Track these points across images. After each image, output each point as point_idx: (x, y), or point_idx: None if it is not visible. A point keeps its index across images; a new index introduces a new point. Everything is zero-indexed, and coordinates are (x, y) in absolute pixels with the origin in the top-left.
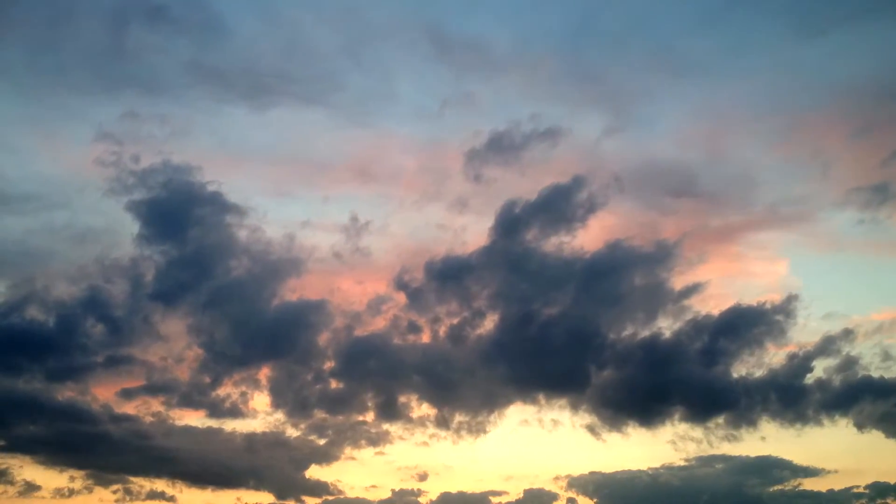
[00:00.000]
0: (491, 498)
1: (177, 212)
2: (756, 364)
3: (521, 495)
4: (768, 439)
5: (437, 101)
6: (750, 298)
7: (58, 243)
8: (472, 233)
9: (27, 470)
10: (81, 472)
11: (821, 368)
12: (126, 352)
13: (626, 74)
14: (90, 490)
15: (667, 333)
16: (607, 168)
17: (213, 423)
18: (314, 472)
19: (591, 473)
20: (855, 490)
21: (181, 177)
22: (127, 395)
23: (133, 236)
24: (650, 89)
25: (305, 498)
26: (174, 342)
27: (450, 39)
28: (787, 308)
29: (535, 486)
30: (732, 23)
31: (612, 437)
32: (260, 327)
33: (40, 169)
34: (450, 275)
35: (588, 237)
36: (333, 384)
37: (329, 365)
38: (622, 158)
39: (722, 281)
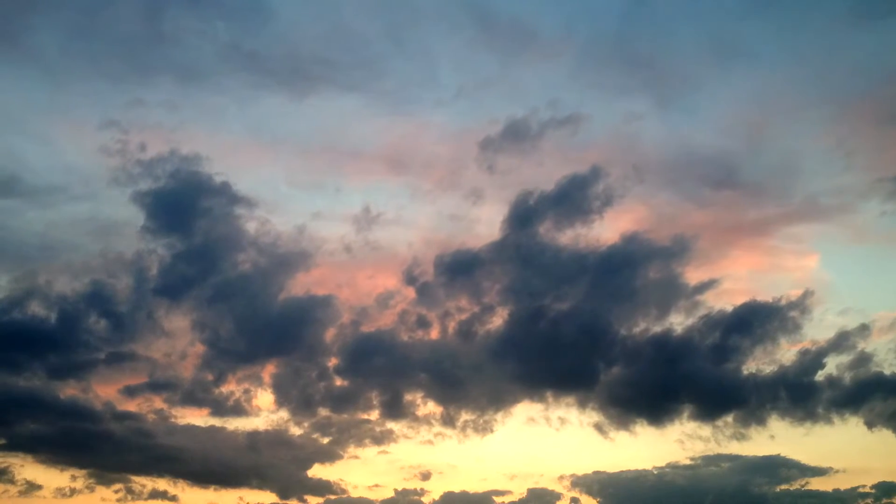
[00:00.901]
0: (494, 497)
1: (182, 203)
2: (769, 361)
3: (525, 495)
4: (777, 438)
5: (480, 86)
6: (777, 293)
7: (79, 237)
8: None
9: (28, 469)
10: (83, 472)
11: (833, 365)
12: (129, 348)
13: (673, 59)
14: (92, 489)
15: (679, 329)
16: (642, 157)
17: (217, 422)
18: (317, 471)
19: (596, 473)
20: (861, 490)
21: (188, 167)
22: (130, 392)
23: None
24: (696, 75)
25: (308, 497)
26: (178, 338)
27: (495, 22)
28: (802, 304)
29: (540, 486)
30: (785, 6)
31: (620, 436)
32: (265, 323)
33: (68, 159)
34: (460, 269)
35: (613, 229)
36: (338, 382)
37: (334, 362)
38: (660, 147)
39: (751, 275)
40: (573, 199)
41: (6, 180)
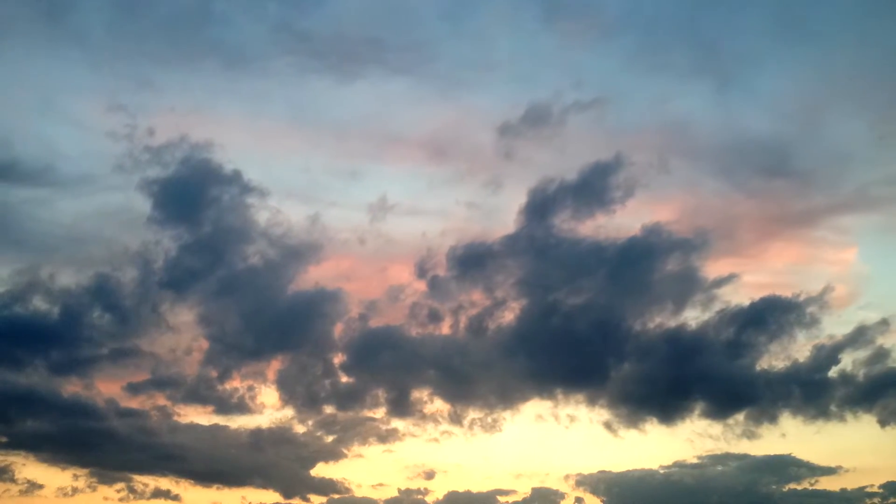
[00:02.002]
0: (499, 497)
1: (191, 192)
2: (784, 357)
3: (529, 494)
4: (788, 436)
5: (539, 70)
6: (812, 287)
7: (109, 228)
8: None
9: (29, 468)
10: (85, 471)
11: (849, 361)
12: (132, 343)
13: (735, 39)
14: (94, 489)
15: (695, 324)
16: (694, 143)
17: (220, 419)
18: (321, 470)
19: (601, 472)
20: (868, 489)
21: (199, 154)
22: (133, 389)
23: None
24: (757, 56)
25: (311, 496)
26: (182, 333)
27: (557, 1)
28: (821, 299)
29: (545, 485)
30: None
31: (630, 435)
32: (271, 318)
33: (104, 146)
34: (473, 262)
35: (649, 219)
36: (344, 378)
37: (340, 358)
38: (713, 133)
39: (788, 268)
40: (595, 187)
41: (41, 169)
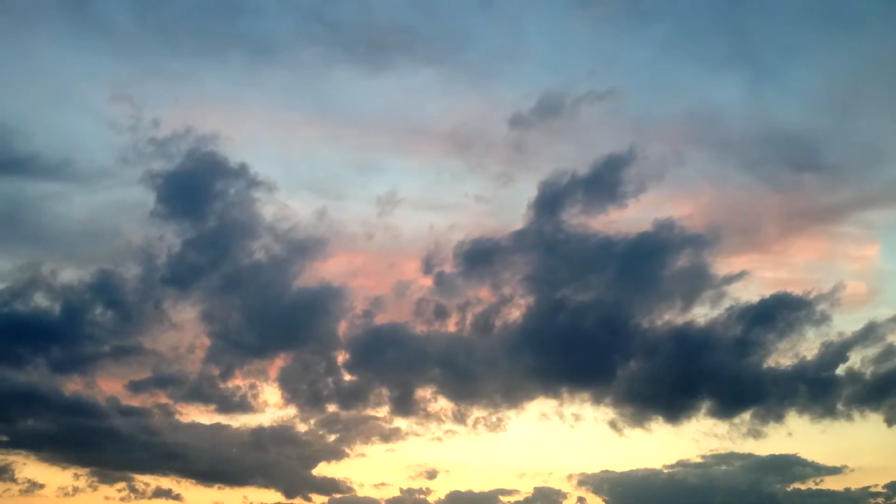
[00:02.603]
0: (501, 497)
1: (194, 186)
2: (793, 355)
3: (531, 494)
4: (795, 435)
5: (570, 59)
6: (833, 283)
7: (126, 223)
8: None
9: (30, 467)
10: (86, 470)
11: (858, 359)
12: (134, 341)
13: (775, 30)
14: (94, 488)
15: (706, 322)
16: (723, 134)
17: (222, 418)
18: (324, 469)
19: (604, 472)
20: (873, 489)
21: (204, 147)
22: (135, 388)
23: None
24: (797, 47)
25: (313, 496)
26: (185, 330)
27: None
28: (833, 296)
29: (548, 485)
30: None
31: (635, 434)
32: (275, 315)
33: (127, 139)
34: (480, 258)
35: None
36: (348, 377)
37: (344, 356)
38: (744, 124)
39: (809, 264)
40: (608, 180)
41: (59, 163)
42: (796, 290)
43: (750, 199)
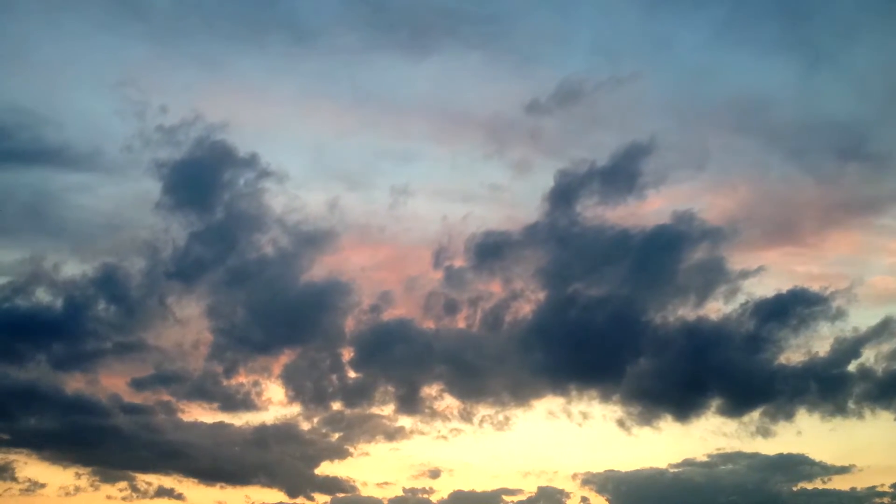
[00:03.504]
0: (504, 496)
1: (202, 177)
2: (805, 352)
3: (535, 493)
4: (804, 433)
5: (620, 43)
6: (863, 278)
7: (148, 217)
8: None
9: (31, 466)
10: (87, 469)
11: (871, 356)
12: (137, 337)
13: (834, 15)
14: (96, 487)
15: (721, 318)
16: (771, 122)
17: (226, 416)
18: (326, 468)
19: (608, 471)
20: (879, 489)
21: (212, 136)
22: (137, 385)
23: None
24: (852, 29)
25: (316, 495)
26: (189, 326)
27: None
28: (850, 291)
29: (553, 484)
30: None
31: (643, 432)
32: (281, 310)
33: (146, 128)
34: (492, 251)
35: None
36: (354, 374)
37: (349, 353)
38: (791, 114)
39: (845, 259)
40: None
41: (88, 153)
42: (826, 285)
43: (789, 190)
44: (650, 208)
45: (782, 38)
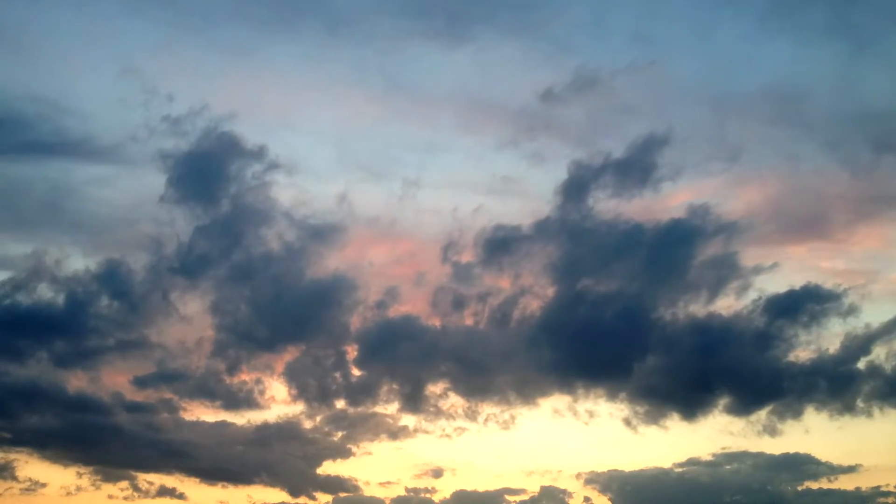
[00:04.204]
0: (507, 496)
1: (208, 169)
2: (814, 350)
3: (538, 493)
4: (811, 432)
5: (660, 30)
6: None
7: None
8: None
9: (32, 465)
10: (89, 468)
11: (881, 353)
12: (140, 334)
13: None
14: (97, 487)
15: (733, 315)
16: (802, 113)
17: (228, 415)
18: (329, 468)
19: (612, 470)
20: (883, 488)
21: (220, 127)
22: (140, 383)
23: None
24: None
25: (318, 494)
26: (192, 323)
27: None
28: (865, 287)
29: (556, 483)
30: None
31: (649, 431)
32: (285, 307)
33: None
34: (501, 246)
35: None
36: (358, 372)
37: (354, 350)
38: (830, 103)
39: (872, 254)
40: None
41: (112, 146)
42: (842, 281)
43: (820, 182)
44: (672, 202)
45: (828, 24)
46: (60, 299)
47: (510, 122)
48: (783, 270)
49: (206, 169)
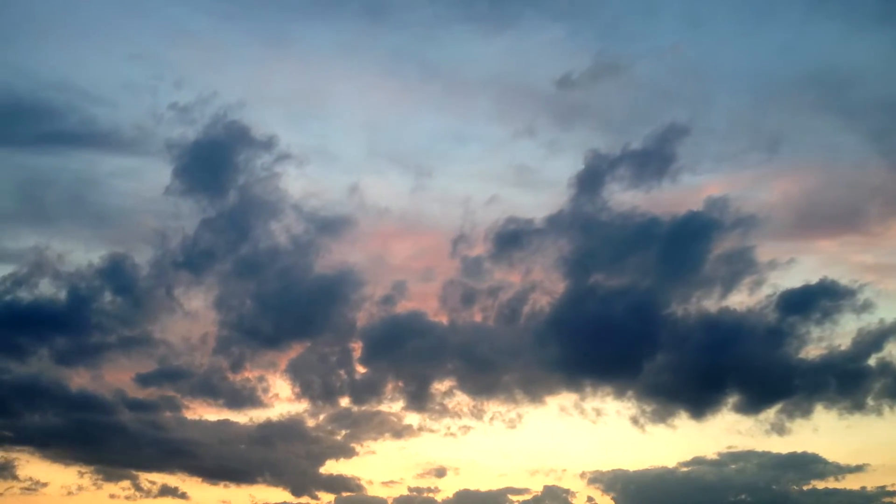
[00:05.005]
0: (510, 496)
1: (212, 161)
2: (826, 346)
3: (541, 492)
4: (819, 430)
5: (705, 15)
6: None
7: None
8: None
9: (33, 464)
10: (90, 468)
11: (893, 350)
12: (143, 330)
13: None
14: (99, 486)
15: (747, 310)
16: (846, 101)
17: (231, 413)
18: (332, 467)
19: (616, 470)
20: (889, 488)
21: (227, 117)
22: (142, 381)
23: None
24: None
25: (321, 493)
26: (196, 319)
27: None
28: (881, 284)
29: (560, 483)
30: None
31: (656, 430)
32: (290, 302)
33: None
34: (512, 240)
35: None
36: (362, 369)
37: (359, 347)
38: (875, 91)
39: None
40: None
41: (141, 137)
42: (879, 276)
43: (860, 174)
44: (698, 195)
45: (883, 8)
46: (62, 295)
47: (541, 109)
48: (808, 265)
49: (214, 159)
